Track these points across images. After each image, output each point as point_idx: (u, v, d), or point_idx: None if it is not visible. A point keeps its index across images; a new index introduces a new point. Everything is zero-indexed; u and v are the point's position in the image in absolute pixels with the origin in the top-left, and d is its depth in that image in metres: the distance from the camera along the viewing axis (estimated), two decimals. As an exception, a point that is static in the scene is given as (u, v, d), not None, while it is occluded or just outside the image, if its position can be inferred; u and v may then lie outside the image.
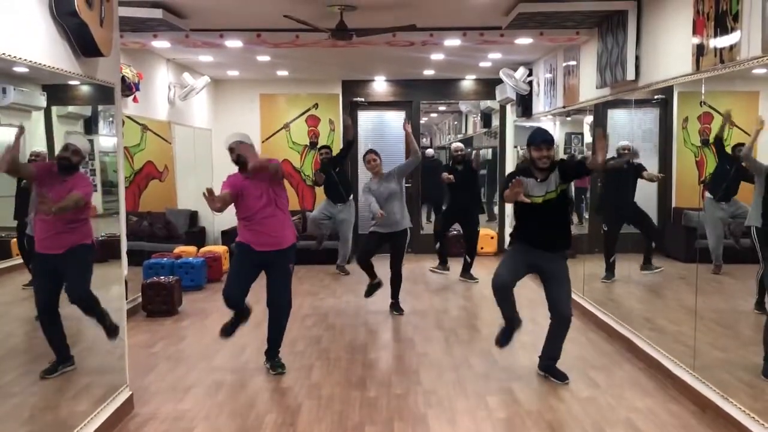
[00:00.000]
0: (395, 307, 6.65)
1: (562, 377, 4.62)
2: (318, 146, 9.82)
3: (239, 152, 4.65)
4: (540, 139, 4.42)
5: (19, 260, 3.88)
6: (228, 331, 5.05)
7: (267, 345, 4.97)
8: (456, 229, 8.88)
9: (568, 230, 4.66)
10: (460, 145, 8.46)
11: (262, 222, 4.71)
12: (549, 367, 4.70)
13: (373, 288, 6.72)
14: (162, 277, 6.79)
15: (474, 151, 10.69)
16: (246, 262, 4.80)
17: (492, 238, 10.23)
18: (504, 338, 4.80)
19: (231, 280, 4.85)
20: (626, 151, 6.00)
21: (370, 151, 6.57)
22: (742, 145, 4.35)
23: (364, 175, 8.37)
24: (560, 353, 4.70)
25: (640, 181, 5.95)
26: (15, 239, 3.89)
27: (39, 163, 3.85)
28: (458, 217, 8.31)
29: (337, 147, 10.27)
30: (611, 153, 5.86)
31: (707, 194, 4.84)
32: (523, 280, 4.68)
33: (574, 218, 8.14)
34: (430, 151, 12.93)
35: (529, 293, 6.35)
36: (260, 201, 4.69)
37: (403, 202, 6.49)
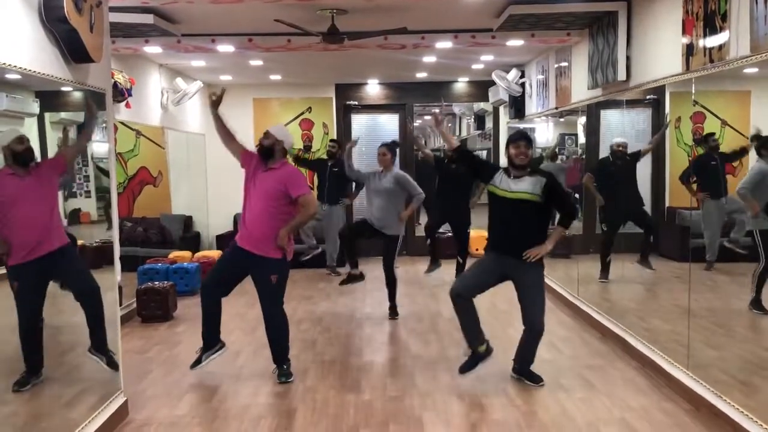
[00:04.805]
0: (391, 311, 6.64)
1: (537, 379, 4.58)
2: (329, 139, 9.80)
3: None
4: (518, 135, 4.51)
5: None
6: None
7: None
8: (447, 230, 8.70)
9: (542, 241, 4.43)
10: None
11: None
12: (523, 370, 4.63)
13: (351, 278, 6.62)
14: (156, 283, 6.76)
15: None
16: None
17: (486, 239, 10.14)
18: (467, 365, 4.61)
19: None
20: (620, 149, 6.02)
21: (383, 145, 6.56)
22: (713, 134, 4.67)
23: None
24: (534, 358, 4.62)
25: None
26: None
27: None
28: (448, 215, 8.05)
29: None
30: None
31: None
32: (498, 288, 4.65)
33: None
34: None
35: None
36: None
37: (393, 207, 6.40)
